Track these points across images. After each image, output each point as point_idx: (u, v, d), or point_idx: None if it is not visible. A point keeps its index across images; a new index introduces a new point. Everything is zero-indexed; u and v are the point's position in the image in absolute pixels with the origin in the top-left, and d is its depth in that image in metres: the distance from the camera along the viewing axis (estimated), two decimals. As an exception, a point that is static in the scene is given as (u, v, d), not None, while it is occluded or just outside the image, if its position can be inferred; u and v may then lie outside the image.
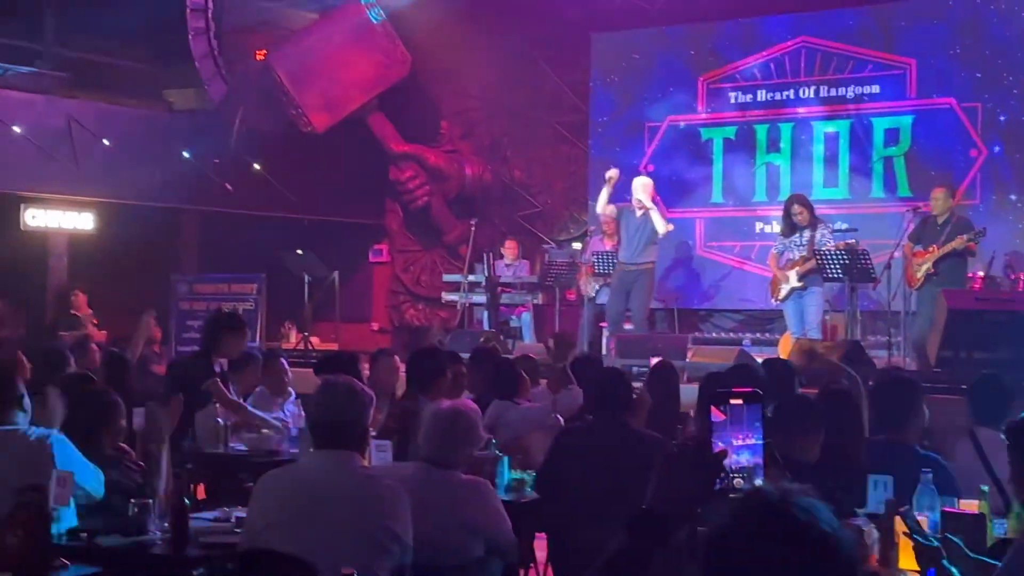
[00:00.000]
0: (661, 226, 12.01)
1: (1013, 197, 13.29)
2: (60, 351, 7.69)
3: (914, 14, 13.99)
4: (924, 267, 10.82)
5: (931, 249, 10.83)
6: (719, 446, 2.16)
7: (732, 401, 2.17)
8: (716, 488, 2.18)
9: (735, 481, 2.18)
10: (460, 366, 7.22)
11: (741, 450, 2.17)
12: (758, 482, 2.17)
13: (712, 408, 2.18)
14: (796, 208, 11.53)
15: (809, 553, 1.78)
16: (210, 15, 13.77)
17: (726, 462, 2.17)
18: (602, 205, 12.48)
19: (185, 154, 14.49)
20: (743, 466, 2.17)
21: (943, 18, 13.78)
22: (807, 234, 11.37)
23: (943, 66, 13.70)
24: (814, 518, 1.80)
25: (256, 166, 15.06)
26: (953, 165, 13.52)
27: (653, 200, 12.28)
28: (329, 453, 4.15)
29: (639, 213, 12.05)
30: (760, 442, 2.17)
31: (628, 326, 12.60)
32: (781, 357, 10.20)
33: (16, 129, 13.62)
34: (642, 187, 12.21)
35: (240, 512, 4.68)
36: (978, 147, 13.47)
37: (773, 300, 11.91)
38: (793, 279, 11.39)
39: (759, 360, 8.88)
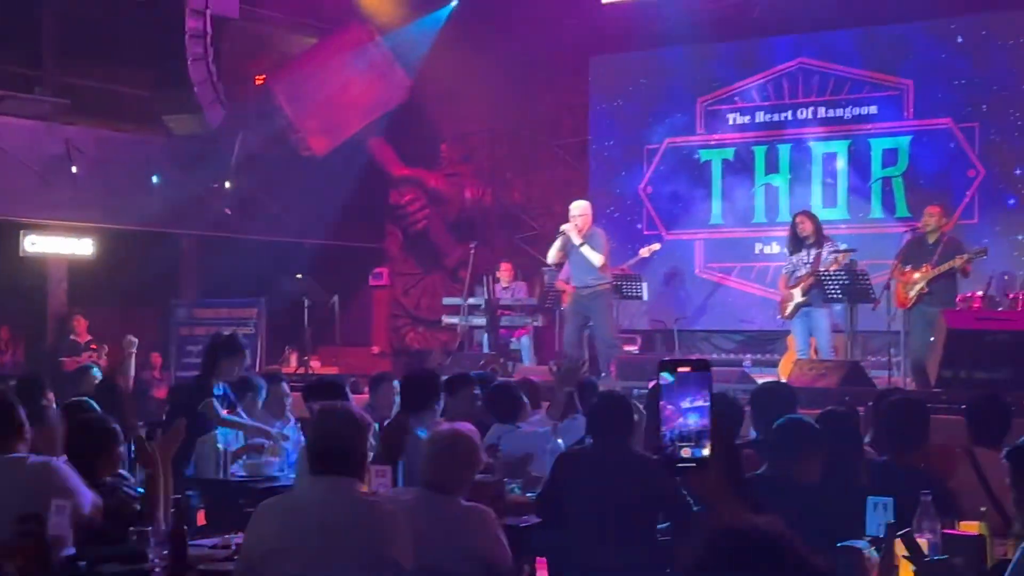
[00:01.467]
0: (596, 259, 11.59)
1: (1010, 217, 13.30)
2: (36, 380, 7.67)
3: (911, 35, 14.03)
4: (917, 287, 10.80)
5: (924, 268, 10.81)
6: (668, 408, 2.17)
7: (680, 369, 2.19)
8: (663, 457, 2.19)
9: (682, 451, 2.19)
10: (473, 388, 7.18)
11: (689, 412, 2.18)
12: (705, 452, 2.17)
13: (660, 375, 2.20)
14: (799, 219, 11.59)
15: None
16: (209, 41, 13.78)
17: (673, 424, 2.17)
18: (553, 255, 12.01)
19: (154, 179, 14.48)
20: (691, 429, 2.18)
21: (941, 39, 13.82)
22: (813, 252, 11.39)
23: (940, 87, 13.74)
24: (785, 547, 1.79)
25: (229, 185, 15.03)
26: (951, 185, 13.55)
27: (592, 224, 11.91)
28: (328, 479, 4.13)
29: (581, 237, 11.67)
30: (707, 405, 2.18)
31: (630, 347, 12.56)
32: (782, 378, 10.21)
33: (15, 156, 13.64)
34: (579, 214, 11.80)
35: (239, 539, 4.67)
36: (975, 167, 13.50)
37: (779, 317, 11.90)
38: (798, 295, 11.38)
39: (759, 381, 8.88)
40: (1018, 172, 13.35)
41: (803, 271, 11.39)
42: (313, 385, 7.57)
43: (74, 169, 13.89)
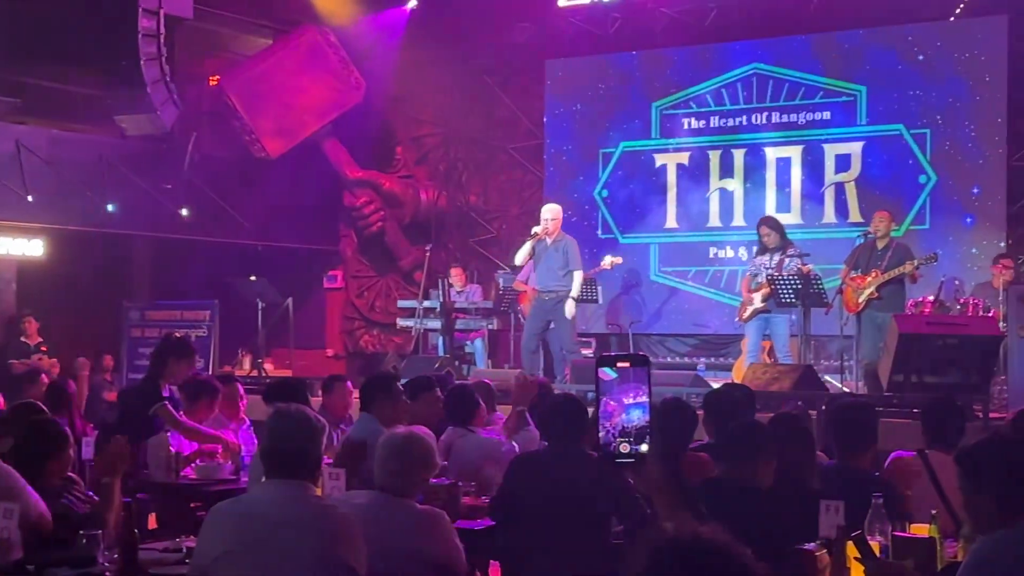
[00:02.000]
0: (579, 277, 11.74)
1: (961, 223, 13.44)
2: None
3: (865, 42, 14.15)
4: (867, 291, 10.90)
5: (873, 273, 10.91)
6: (611, 404, 2.16)
7: (620, 364, 2.19)
8: (603, 453, 2.19)
9: (621, 446, 2.18)
10: (436, 392, 7.16)
11: (632, 408, 2.18)
12: (643, 447, 2.16)
13: (600, 369, 2.19)
14: (763, 230, 11.63)
15: None
16: (162, 40, 13.67)
17: (615, 420, 2.17)
18: (522, 257, 12.02)
19: (109, 207, 14.31)
20: (634, 425, 2.17)
21: (893, 46, 13.94)
22: (776, 257, 11.45)
23: (893, 93, 13.87)
24: (729, 557, 1.77)
25: (186, 213, 14.90)
26: (903, 191, 13.67)
27: (562, 230, 11.92)
28: (282, 483, 4.10)
29: (551, 240, 11.73)
30: (647, 401, 2.18)
31: (585, 351, 12.54)
32: (736, 381, 10.25)
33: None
34: (550, 217, 11.78)
35: (190, 542, 4.63)
36: (927, 173, 13.63)
37: (738, 320, 11.98)
38: (757, 300, 11.44)
39: (713, 384, 8.92)
40: (975, 191, 13.45)
41: (763, 276, 11.47)
42: (274, 386, 7.52)
43: (30, 198, 13.70)
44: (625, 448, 2.17)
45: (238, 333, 14.98)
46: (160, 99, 13.61)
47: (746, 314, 11.62)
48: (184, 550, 4.71)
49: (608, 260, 13.45)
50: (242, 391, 8.19)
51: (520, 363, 12.25)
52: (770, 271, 11.39)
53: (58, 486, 5.08)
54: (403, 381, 7.18)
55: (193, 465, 7.19)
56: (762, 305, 11.41)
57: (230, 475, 7.07)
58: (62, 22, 14.21)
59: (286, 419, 4.18)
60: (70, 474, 5.25)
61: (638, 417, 2.17)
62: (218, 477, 7.05)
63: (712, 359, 14.17)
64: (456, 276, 14.32)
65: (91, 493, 5.16)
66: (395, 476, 4.55)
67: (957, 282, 12.56)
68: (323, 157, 16.77)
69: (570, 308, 11.72)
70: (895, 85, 13.87)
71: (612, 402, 2.17)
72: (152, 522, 7.08)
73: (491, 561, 6.30)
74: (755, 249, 12.07)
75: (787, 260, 11.38)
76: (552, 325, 11.86)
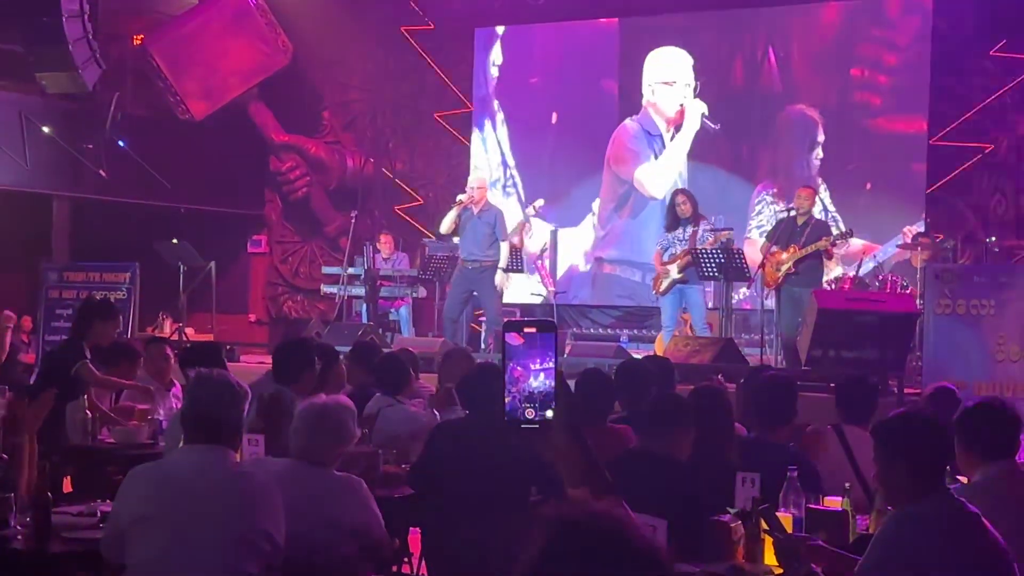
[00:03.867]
0: (506, 250, 11.73)
1: (881, 201, 13.61)
2: None
3: (787, 17, 14.25)
4: (784, 267, 11.01)
5: (791, 249, 11.02)
6: (518, 369, 2.17)
7: (527, 329, 2.20)
8: (506, 419, 2.19)
9: (527, 411, 2.19)
10: (340, 363, 7.10)
11: (539, 373, 2.19)
12: (548, 413, 2.18)
13: (507, 335, 2.19)
14: (680, 198, 11.60)
15: (625, 568, 1.73)
16: (85, -3, 13.41)
17: (521, 386, 2.18)
18: (448, 226, 11.87)
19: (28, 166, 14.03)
20: (540, 390, 2.19)
21: (816, 21, 14.06)
22: (689, 229, 11.49)
23: (816, 71, 14.00)
24: (623, 537, 1.75)
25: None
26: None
27: (487, 200, 11.89)
28: (202, 448, 4.07)
29: (477, 210, 11.69)
30: (554, 367, 2.20)
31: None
32: (658, 354, 10.33)
33: None
34: (476, 186, 11.77)
35: (106, 506, 4.58)
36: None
37: (655, 294, 11.98)
38: (674, 272, 11.45)
39: (637, 356, 8.98)
40: (897, 170, 13.58)
41: (678, 248, 11.49)
42: (188, 351, 7.42)
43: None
44: (531, 413, 2.18)
45: (159, 296, 14.80)
46: (82, 57, 13.36)
47: (663, 286, 11.58)
48: (99, 514, 4.66)
49: (531, 207, 13.65)
50: (169, 352, 8.00)
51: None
52: (684, 243, 11.41)
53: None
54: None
55: (109, 428, 7.11)
56: (680, 276, 11.41)
57: (147, 439, 7.00)
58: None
59: (208, 384, 4.15)
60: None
61: (543, 383, 2.17)
62: (136, 441, 6.97)
63: (635, 331, 14.24)
64: (385, 243, 14.25)
65: (4, 455, 5.08)
66: (311, 446, 4.53)
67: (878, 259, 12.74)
68: (249, 120, 16.60)
69: (500, 279, 11.71)
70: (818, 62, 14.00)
71: (519, 367, 2.17)
72: (67, 485, 7.00)
73: (411, 529, 6.29)
74: (665, 223, 11.96)
75: (700, 233, 11.41)
76: (476, 294, 11.85)
